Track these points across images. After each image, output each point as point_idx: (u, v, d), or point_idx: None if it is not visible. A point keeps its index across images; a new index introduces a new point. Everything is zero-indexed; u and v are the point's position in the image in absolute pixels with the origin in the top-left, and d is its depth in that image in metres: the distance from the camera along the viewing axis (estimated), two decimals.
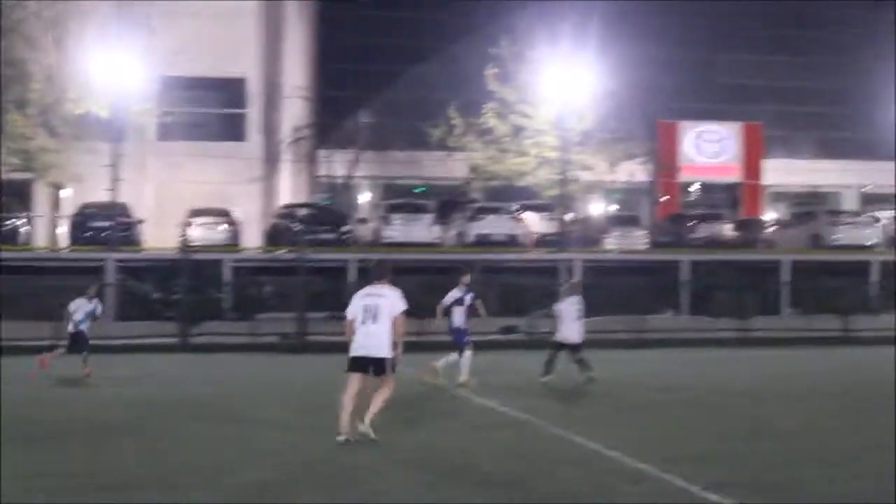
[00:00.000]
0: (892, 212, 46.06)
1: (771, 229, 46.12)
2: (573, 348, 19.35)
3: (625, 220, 45.08)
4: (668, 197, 53.39)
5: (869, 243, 41.22)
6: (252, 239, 41.82)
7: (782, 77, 56.32)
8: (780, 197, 56.94)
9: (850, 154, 54.96)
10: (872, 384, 20.34)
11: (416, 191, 51.12)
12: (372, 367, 12.70)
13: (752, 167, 54.75)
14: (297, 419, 14.95)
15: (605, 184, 45.93)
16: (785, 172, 54.39)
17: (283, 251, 35.96)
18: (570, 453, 12.04)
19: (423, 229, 38.69)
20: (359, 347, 12.72)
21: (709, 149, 54.78)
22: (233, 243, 38.42)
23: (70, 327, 20.91)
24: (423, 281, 35.41)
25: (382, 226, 39.54)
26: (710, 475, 10.32)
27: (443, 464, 11.50)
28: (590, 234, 42.68)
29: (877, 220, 43.48)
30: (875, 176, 54.39)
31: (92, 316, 21.24)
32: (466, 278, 20.07)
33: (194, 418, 14.87)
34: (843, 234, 41.11)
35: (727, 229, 43.25)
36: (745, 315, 34.57)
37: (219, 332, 30.06)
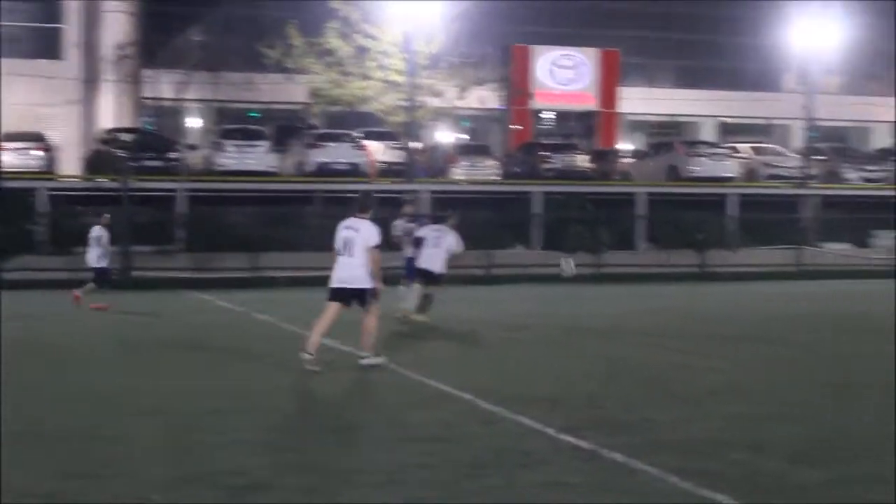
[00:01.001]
0: (751, 144, 47.32)
1: (627, 160, 46.95)
2: (432, 278, 19.40)
3: (475, 150, 45.26)
4: (520, 126, 53.78)
5: (727, 176, 42.30)
6: (71, 166, 40.67)
7: (642, 1, 56.92)
8: (637, 127, 57.90)
9: (710, 83, 56.09)
10: (730, 321, 20.95)
11: (252, 116, 50.36)
12: (354, 298, 13.84)
13: (608, 95, 55.48)
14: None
15: (454, 111, 46.02)
16: (642, 101, 55.25)
17: (106, 179, 35.14)
18: (418, 395, 12.06)
19: (258, 157, 38.20)
20: (337, 279, 13.83)
21: (563, 75, 55.25)
22: (48, 170, 37.34)
23: None
24: (259, 212, 35.23)
25: (215, 153, 38.91)
26: (564, 417, 10.45)
27: (285, 408, 11.43)
28: (437, 164, 42.78)
29: (735, 151, 44.61)
30: (735, 106, 55.72)
31: None
32: (409, 208, 20.21)
33: None
34: (701, 167, 42.08)
35: (581, 160, 43.81)
36: (600, 250, 35.23)
37: (33, 267, 29.30)
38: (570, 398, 11.65)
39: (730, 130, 56.13)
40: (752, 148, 45.99)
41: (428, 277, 19.39)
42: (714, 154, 43.33)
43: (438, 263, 19.38)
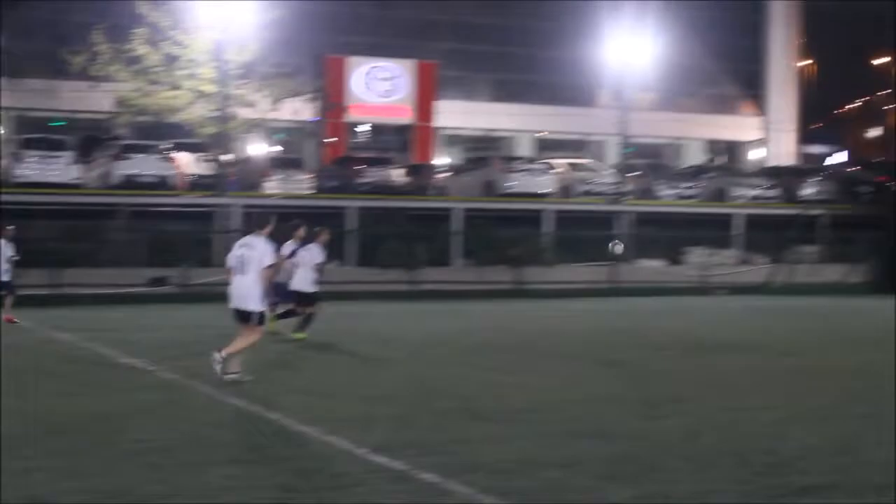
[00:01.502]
0: (567, 159, 48.27)
1: (443, 175, 47.40)
2: (304, 299, 19.48)
3: (288, 163, 45.10)
4: (334, 139, 53.79)
5: (543, 192, 43.07)
6: None
7: (460, 13, 57.54)
8: (454, 141, 58.54)
9: (528, 98, 57.10)
10: (544, 338, 21.31)
11: (54, 125, 49.11)
12: (240, 317, 14.11)
13: (425, 108, 55.97)
14: None
15: (267, 122, 45.72)
16: (460, 115, 55.89)
17: None
18: (223, 416, 11.97)
19: (61, 168, 37.31)
20: (231, 298, 14.15)
21: (379, 87, 55.55)
22: None
23: None
24: (61, 226, 34.37)
25: (14, 163, 37.84)
26: (376, 437, 10.50)
27: (88, 430, 11.19)
28: (250, 177, 42.43)
29: (551, 167, 45.47)
30: (552, 121, 56.83)
31: None
32: (301, 232, 20.13)
33: None
34: (517, 182, 42.76)
35: (397, 174, 44.06)
36: (415, 266, 35.46)
37: None
38: (381, 418, 11.70)
39: (546, 146, 57.19)
40: (568, 164, 46.90)
41: (301, 298, 19.52)
42: (530, 169, 44.08)
43: (308, 282, 19.50)
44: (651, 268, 40.55)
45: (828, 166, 61.22)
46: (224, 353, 13.98)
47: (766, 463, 9.39)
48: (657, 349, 19.13)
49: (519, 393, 13.71)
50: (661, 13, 50.49)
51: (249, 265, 13.86)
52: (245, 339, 14.11)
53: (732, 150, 62.58)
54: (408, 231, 36.90)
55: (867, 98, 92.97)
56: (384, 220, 37.49)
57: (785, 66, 63.40)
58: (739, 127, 62.19)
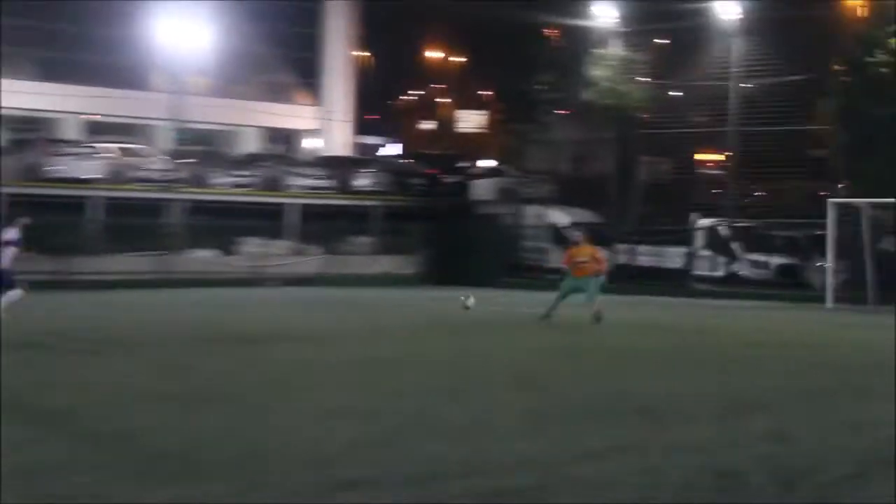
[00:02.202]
0: (120, 144, 46.93)
1: None
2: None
3: None
4: None
5: (91, 177, 41.68)
6: None
7: None
8: None
9: (76, 78, 55.11)
10: (94, 330, 20.57)
11: None
12: None
13: None
14: None
15: None
16: (3, 94, 53.19)
17: None
18: None
19: None
20: None
21: None
22: None
23: None
24: None
25: None
26: None
27: None
28: None
29: (101, 151, 44.05)
30: (102, 104, 55.07)
31: None
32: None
33: None
34: (63, 167, 41.14)
35: None
36: None
37: None
38: None
39: (97, 129, 55.45)
40: (119, 148, 45.57)
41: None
42: (78, 153, 42.53)
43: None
44: (203, 258, 40.15)
45: (382, 158, 63.07)
46: None
47: (309, 460, 9.32)
48: (206, 341, 18.89)
49: (60, 391, 13.05)
50: None
51: None
52: None
53: (288, 138, 63.05)
54: None
55: (421, 91, 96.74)
56: None
57: (341, 56, 64.48)
58: (295, 115, 62.71)
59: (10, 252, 21.43)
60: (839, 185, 39.97)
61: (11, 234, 21.60)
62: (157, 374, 14.79)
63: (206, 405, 12.12)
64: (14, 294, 22.14)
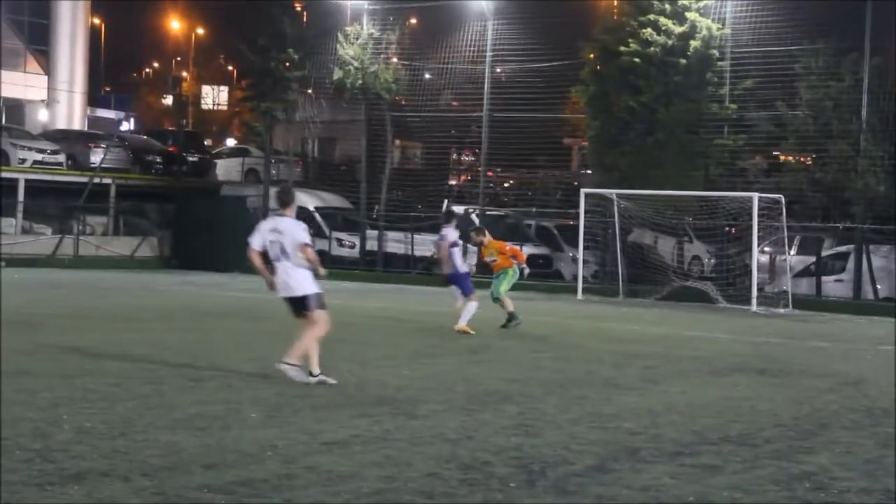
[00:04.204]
0: None
1: None
2: None
3: None
4: None
5: None
6: None
7: None
8: None
9: None
10: None
11: None
12: (294, 306, 13.56)
13: None
14: None
15: None
16: None
17: None
18: None
19: None
20: (281, 288, 13.53)
21: None
22: None
23: None
24: None
25: None
26: None
27: None
28: None
29: None
30: None
31: None
32: None
33: None
34: None
35: None
36: None
37: None
38: None
39: None
40: None
41: None
42: None
43: None
44: None
45: (118, 133, 61.73)
46: (291, 357, 13.41)
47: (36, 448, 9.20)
48: None
49: None
50: None
51: (287, 246, 13.33)
52: (313, 331, 13.45)
53: (16, 109, 60.93)
54: None
55: (159, 64, 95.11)
56: None
57: (74, 22, 62.63)
58: (24, 85, 60.66)
59: None
60: (591, 175, 41.22)
61: None
62: None
63: None
64: None
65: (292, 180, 44.81)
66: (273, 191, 12.74)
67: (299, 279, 13.45)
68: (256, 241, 13.55)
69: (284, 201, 13.77)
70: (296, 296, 13.51)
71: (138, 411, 11.07)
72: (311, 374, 13.34)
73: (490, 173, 45.55)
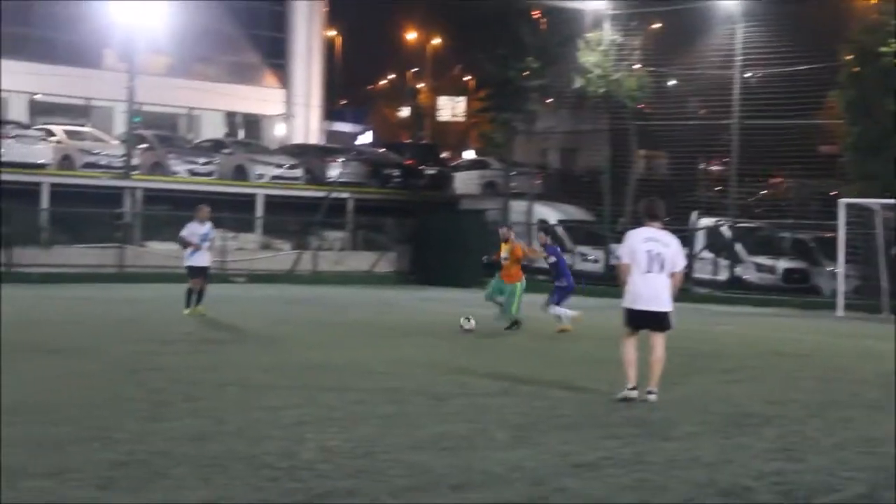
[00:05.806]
0: (67, 126, 46.73)
1: None
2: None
3: None
4: None
5: (39, 162, 41.60)
6: None
7: None
8: None
9: (20, 54, 54.84)
10: (34, 329, 20.51)
11: None
12: (653, 321, 13.68)
13: None
14: None
15: None
16: None
17: None
18: None
19: None
20: (641, 300, 13.62)
21: None
22: None
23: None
24: None
25: None
26: None
27: None
28: None
29: (50, 133, 43.93)
30: (49, 83, 54.75)
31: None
32: None
33: None
34: (10, 150, 40.97)
35: None
36: None
37: None
38: None
39: (43, 110, 55.15)
40: (67, 132, 45.38)
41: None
42: (24, 136, 42.38)
43: None
44: (161, 251, 40.03)
45: (356, 147, 62.93)
46: (653, 385, 13.65)
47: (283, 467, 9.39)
48: (163, 343, 18.89)
49: None
50: None
51: (666, 263, 13.56)
52: (661, 352, 13.77)
53: (253, 124, 62.82)
54: None
55: (395, 76, 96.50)
56: None
57: (311, 35, 64.26)
58: (261, 99, 62.46)
59: None
60: (850, 185, 40.14)
61: None
62: (117, 377, 14.81)
63: (168, 409, 12.17)
64: None
65: (532, 193, 44.94)
66: (641, 203, 12.54)
67: (669, 295, 13.69)
68: (625, 254, 13.79)
69: (656, 214, 13.95)
70: (662, 311, 13.72)
71: (382, 430, 11.20)
72: (648, 392, 13.54)
73: (741, 183, 44.78)
